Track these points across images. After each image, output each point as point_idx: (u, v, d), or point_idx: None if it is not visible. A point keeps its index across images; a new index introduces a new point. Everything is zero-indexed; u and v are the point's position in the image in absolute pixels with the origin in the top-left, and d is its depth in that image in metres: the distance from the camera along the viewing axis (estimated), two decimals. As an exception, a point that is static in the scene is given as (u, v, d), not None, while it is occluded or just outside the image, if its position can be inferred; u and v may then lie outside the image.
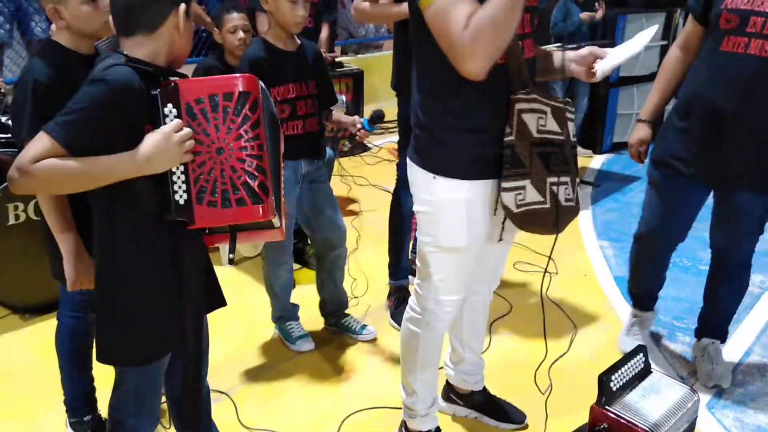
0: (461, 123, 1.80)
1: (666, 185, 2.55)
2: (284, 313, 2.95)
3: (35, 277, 2.97)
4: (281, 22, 2.52)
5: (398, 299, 3.14)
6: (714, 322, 2.73)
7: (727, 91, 2.29)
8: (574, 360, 2.81)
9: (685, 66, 2.50)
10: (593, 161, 5.65)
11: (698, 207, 2.56)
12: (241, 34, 3.11)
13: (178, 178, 1.48)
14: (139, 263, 1.54)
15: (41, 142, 1.39)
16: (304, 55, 2.64)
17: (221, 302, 1.76)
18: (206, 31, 4.47)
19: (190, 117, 1.47)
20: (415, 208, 1.99)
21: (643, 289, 2.87)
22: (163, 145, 1.43)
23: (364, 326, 3.00)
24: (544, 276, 2.12)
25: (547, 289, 3.33)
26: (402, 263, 3.19)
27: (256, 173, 1.47)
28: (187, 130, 1.45)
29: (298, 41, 2.65)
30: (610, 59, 1.92)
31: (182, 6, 1.52)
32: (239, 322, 3.08)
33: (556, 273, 3.47)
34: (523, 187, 1.80)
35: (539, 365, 2.38)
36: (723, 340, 2.74)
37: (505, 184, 1.80)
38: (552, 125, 1.85)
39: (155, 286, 1.57)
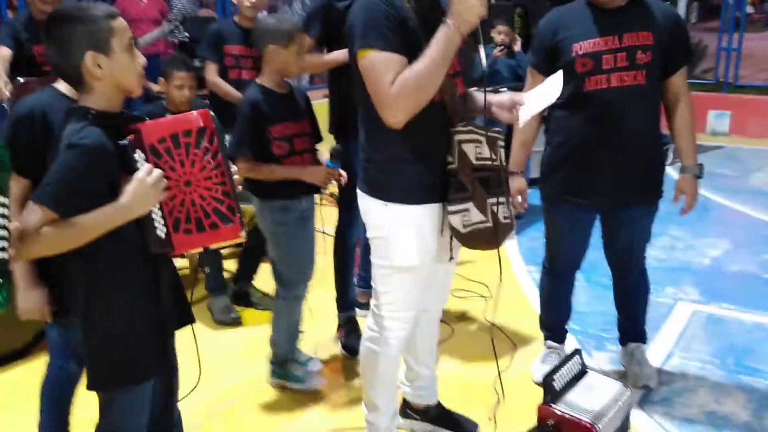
0: (406, 154, 2.01)
1: (562, 218, 2.80)
2: (290, 354, 2.95)
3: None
4: (277, 69, 2.69)
5: (348, 330, 3.28)
6: (631, 326, 3.01)
7: (601, 123, 2.56)
8: (517, 375, 3.01)
9: (536, 117, 2.65)
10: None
11: (592, 227, 2.83)
12: (186, 92, 3.19)
13: (156, 214, 1.62)
14: (122, 292, 1.65)
15: (35, 212, 1.50)
16: (296, 97, 2.82)
17: (190, 319, 1.88)
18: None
19: (156, 157, 1.60)
20: (369, 234, 2.16)
21: (558, 320, 3.05)
22: (140, 190, 1.56)
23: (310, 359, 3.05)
24: (499, 293, 2.31)
25: (486, 312, 3.59)
26: (348, 296, 3.34)
27: (223, 198, 1.62)
28: (158, 172, 1.58)
29: (290, 85, 2.82)
30: (528, 108, 2.17)
31: (89, 54, 1.57)
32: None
33: (491, 297, 3.70)
34: (468, 209, 2.03)
35: (486, 380, 2.56)
36: (644, 341, 3.01)
37: (451, 208, 2.02)
38: (487, 152, 2.08)
39: (138, 311, 1.68)
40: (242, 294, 3.72)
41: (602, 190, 2.65)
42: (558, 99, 2.27)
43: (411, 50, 1.86)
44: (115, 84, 1.62)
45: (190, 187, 1.62)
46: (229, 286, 3.72)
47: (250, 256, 3.74)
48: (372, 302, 2.25)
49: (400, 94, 1.83)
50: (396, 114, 1.87)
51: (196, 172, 1.61)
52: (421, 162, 2.02)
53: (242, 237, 1.67)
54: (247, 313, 3.65)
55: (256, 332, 3.37)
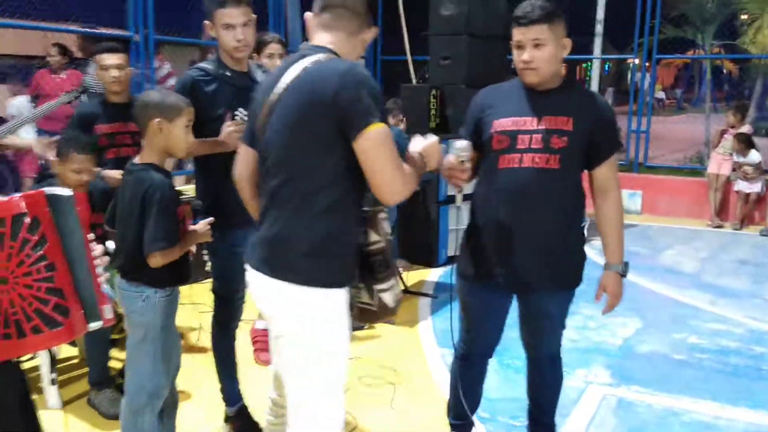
0: (343, 233, 1.97)
1: (474, 299, 2.69)
2: None
3: None
4: (163, 146, 2.52)
5: (242, 423, 3.06)
6: (539, 416, 2.86)
7: (511, 203, 2.48)
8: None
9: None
10: (430, 274, 5.93)
11: (507, 311, 2.72)
12: (84, 176, 2.96)
13: None
14: None
15: None
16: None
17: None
18: None
19: None
20: (282, 328, 2.01)
21: (470, 409, 2.85)
22: None
23: None
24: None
25: (393, 400, 3.42)
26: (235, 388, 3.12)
27: (48, 296, 1.43)
28: None
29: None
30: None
31: None
32: None
33: (400, 384, 3.54)
34: (395, 284, 2.12)
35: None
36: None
37: (381, 286, 2.09)
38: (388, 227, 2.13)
39: None
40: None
41: (513, 273, 2.55)
42: (474, 177, 2.49)
43: None
44: None
45: (7, 285, 1.40)
46: (117, 379, 3.43)
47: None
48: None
49: (409, 177, 1.91)
50: (403, 193, 1.90)
51: (12, 267, 1.41)
52: (353, 241, 2.01)
53: (74, 335, 1.48)
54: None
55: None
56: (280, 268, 1.94)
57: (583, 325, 4.59)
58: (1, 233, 1.41)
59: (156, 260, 2.36)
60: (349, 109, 1.83)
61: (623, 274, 2.58)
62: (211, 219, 2.55)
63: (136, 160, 2.51)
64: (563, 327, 2.71)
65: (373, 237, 2.01)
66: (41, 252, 1.43)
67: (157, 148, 2.47)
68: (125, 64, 3.52)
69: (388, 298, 2.05)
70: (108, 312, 1.61)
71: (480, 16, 6.17)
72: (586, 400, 3.54)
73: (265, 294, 2.00)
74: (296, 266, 1.92)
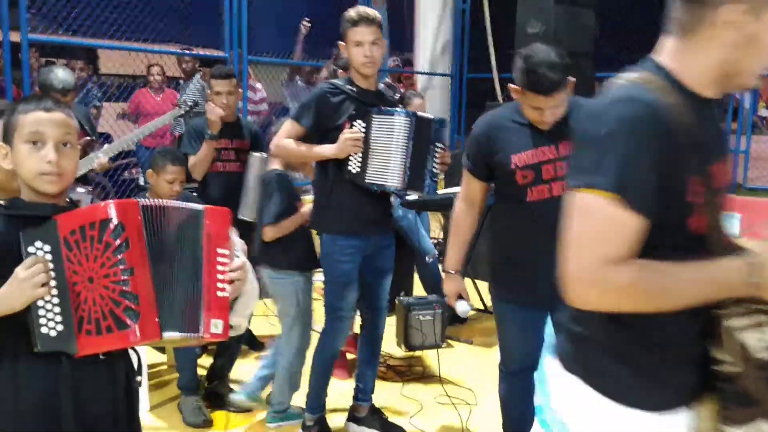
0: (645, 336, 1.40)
1: (512, 319, 2.74)
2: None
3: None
4: None
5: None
6: None
7: (548, 231, 2.44)
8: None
9: (473, 217, 2.76)
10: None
11: (543, 328, 2.72)
12: (177, 187, 3.19)
13: (48, 311, 1.52)
14: (12, 388, 1.56)
15: None
16: None
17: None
18: None
19: (68, 249, 1.53)
20: None
21: (518, 426, 2.79)
22: (11, 283, 1.50)
23: None
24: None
25: (467, 421, 3.40)
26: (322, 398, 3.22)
27: (120, 299, 1.51)
28: (34, 268, 1.50)
29: None
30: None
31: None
32: None
33: (476, 405, 3.52)
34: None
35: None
36: None
37: (733, 430, 1.34)
38: None
39: (26, 412, 1.57)
40: (215, 394, 3.57)
41: (547, 292, 2.55)
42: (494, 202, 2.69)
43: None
44: (21, 175, 1.61)
45: (93, 284, 1.52)
46: (202, 386, 3.58)
47: (224, 355, 3.61)
48: None
49: (626, 284, 1.27)
50: (591, 299, 1.33)
51: (96, 268, 1.51)
52: (672, 349, 1.40)
53: (142, 341, 1.54)
54: (218, 415, 3.48)
55: None
56: None
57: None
58: (92, 235, 1.51)
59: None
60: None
61: None
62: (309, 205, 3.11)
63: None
64: None
65: (717, 351, 1.36)
66: (121, 256, 1.51)
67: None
68: (235, 90, 3.79)
69: None
70: (216, 327, 1.63)
71: (566, 33, 6.10)
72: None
73: None
74: None
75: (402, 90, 6.49)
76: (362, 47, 2.92)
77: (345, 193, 2.97)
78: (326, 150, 2.96)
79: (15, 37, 4.64)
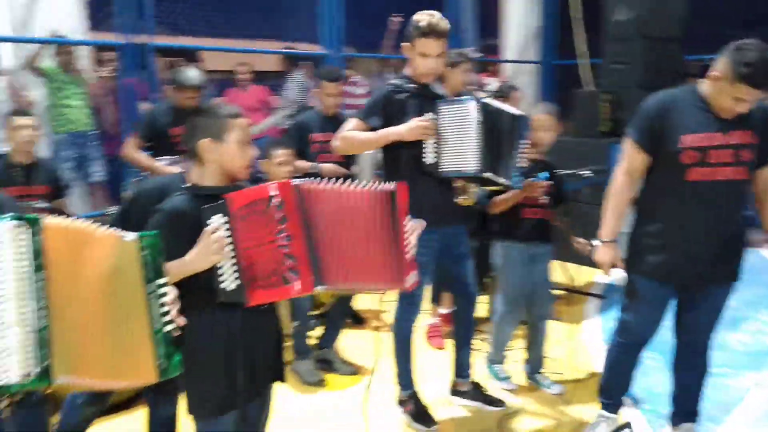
0: None
1: (648, 294, 2.90)
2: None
3: None
4: None
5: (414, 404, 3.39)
6: (687, 405, 3.04)
7: (703, 212, 2.71)
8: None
9: (632, 189, 2.85)
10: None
11: (668, 307, 2.94)
12: (287, 168, 3.62)
13: (226, 270, 1.93)
14: (201, 333, 2.00)
15: None
16: None
17: (280, 377, 2.23)
18: None
19: (239, 221, 1.92)
20: None
21: (621, 393, 3.13)
22: (200, 248, 1.91)
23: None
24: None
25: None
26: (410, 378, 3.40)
27: (285, 260, 1.90)
28: (216, 235, 1.89)
29: None
30: None
31: (205, 141, 2.02)
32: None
33: (562, 374, 3.81)
34: None
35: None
36: (695, 420, 3.04)
37: None
38: None
39: (213, 352, 2.02)
40: (324, 360, 4.00)
41: (692, 273, 2.78)
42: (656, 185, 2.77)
43: None
44: (222, 166, 2.04)
45: (260, 249, 1.91)
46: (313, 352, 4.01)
47: (332, 325, 4.05)
48: None
49: None
50: None
51: (265, 236, 1.90)
52: None
53: (301, 292, 1.91)
54: (329, 377, 3.91)
55: (335, 396, 3.65)
56: None
57: (758, 329, 4.50)
58: (262, 209, 1.91)
59: None
60: None
61: None
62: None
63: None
64: (720, 320, 2.94)
65: None
66: (284, 226, 1.90)
67: None
68: (342, 90, 4.25)
69: None
70: (412, 278, 2.08)
71: (655, 18, 6.17)
72: (751, 401, 3.56)
73: None
74: None
75: (485, 80, 6.62)
76: (428, 59, 2.98)
77: (418, 189, 2.76)
78: (394, 131, 2.97)
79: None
